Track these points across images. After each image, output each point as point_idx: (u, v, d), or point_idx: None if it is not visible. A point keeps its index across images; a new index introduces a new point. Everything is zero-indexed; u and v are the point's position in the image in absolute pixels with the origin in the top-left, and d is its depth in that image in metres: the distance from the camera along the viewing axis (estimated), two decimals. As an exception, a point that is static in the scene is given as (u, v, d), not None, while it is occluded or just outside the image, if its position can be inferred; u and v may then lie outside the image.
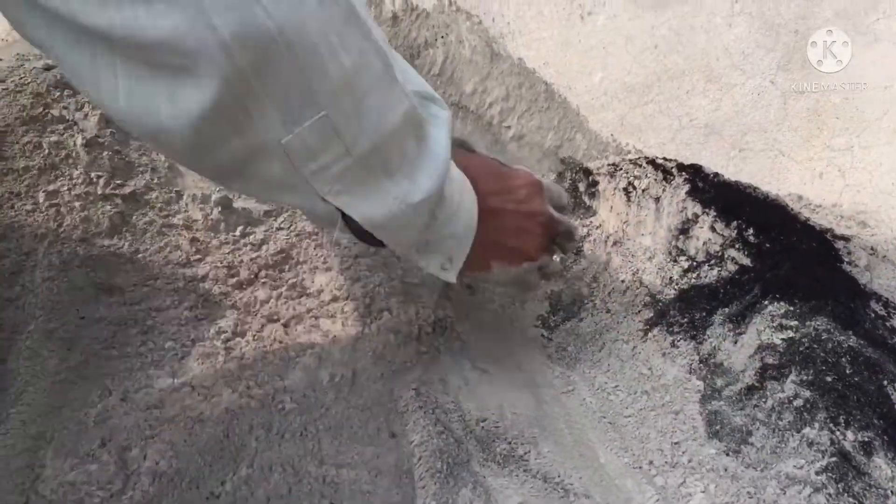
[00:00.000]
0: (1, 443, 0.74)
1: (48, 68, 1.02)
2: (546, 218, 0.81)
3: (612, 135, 1.20)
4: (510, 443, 0.81)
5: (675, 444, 0.82)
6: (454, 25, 1.18)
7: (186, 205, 0.97)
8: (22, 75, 1.00)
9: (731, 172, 1.16)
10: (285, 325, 0.88)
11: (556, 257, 0.93)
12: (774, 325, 0.89)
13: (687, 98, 1.20)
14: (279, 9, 0.48)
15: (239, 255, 0.94)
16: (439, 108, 0.67)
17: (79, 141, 0.95)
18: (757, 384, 0.85)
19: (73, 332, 0.83)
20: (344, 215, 0.62)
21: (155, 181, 0.98)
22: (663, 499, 0.76)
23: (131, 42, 0.46)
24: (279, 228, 0.99)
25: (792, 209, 1.06)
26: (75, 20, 0.46)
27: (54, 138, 0.94)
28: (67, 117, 0.98)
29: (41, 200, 0.89)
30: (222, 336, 0.85)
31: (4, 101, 0.95)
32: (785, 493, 0.74)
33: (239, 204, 1.00)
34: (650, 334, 0.96)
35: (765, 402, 0.83)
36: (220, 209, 0.97)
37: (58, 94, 1.00)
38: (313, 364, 0.83)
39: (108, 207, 0.92)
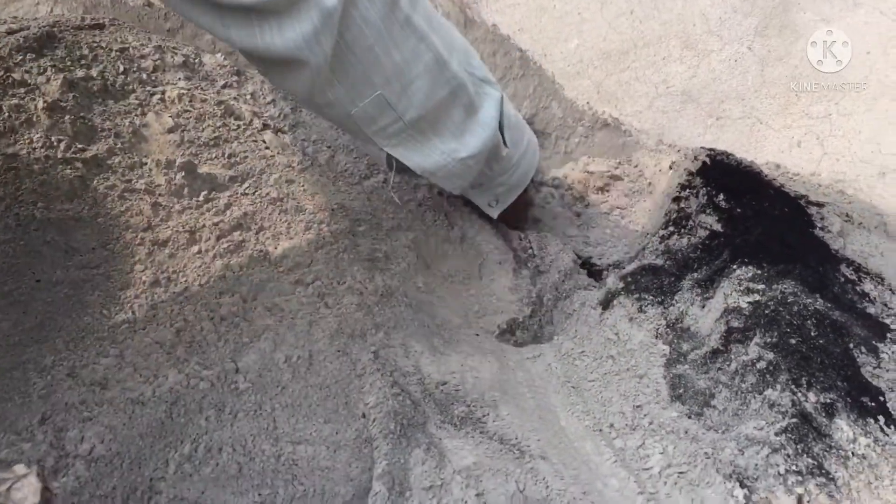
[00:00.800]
0: (-46, 405, 0.73)
1: (11, 32, 1.01)
2: None
3: (588, 103, 1.18)
4: (469, 405, 0.80)
5: (637, 407, 0.81)
6: (428, -8, 1.16)
7: (150, 170, 0.96)
8: (-17, 39, 0.98)
9: (707, 140, 1.15)
10: (244, 300, 0.86)
11: None
12: (741, 288, 0.88)
13: (664, 65, 1.18)
14: (350, 27, 0.71)
15: (201, 220, 0.93)
16: (492, 89, 0.87)
17: (40, 104, 0.94)
18: (722, 347, 0.84)
19: (28, 294, 0.82)
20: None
21: (118, 146, 0.97)
22: (621, 460, 0.75)
23: (267, 55, 0.70)
24: (244, 194, 0.98)
25: (766, 175, 1.04)
26: (227, 39, 0.70)
27: (15, 101, 0.93)
28: (29, 81, 0.97)
29: (-1, 163, 0.88)
30: (176, 317, 0.83)
31: (-37, 64, 0.94)
32: (743, 454, 0.73)
33: (203, 169, 0.99)
34: (617, 300, 0.95)
35: (728, 365, 0.82)
36: (183, 174, 0.96)
37: (20, 57, 0.99)
38: (268, 348, 0.81)
39: (69, 171, 0.91)
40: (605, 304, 0.96)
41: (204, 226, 0.93)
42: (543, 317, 1.01)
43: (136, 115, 1.02)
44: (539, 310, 1.01)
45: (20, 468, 0.47)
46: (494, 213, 1.00)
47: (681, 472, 0.73)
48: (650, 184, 1.12)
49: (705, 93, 1.16)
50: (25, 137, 0.91)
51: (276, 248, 0.93)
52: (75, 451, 0.69)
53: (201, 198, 0.95)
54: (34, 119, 0.93)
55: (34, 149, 0.91)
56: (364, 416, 0.76)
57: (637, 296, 0.94)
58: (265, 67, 0.76)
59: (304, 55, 0.70)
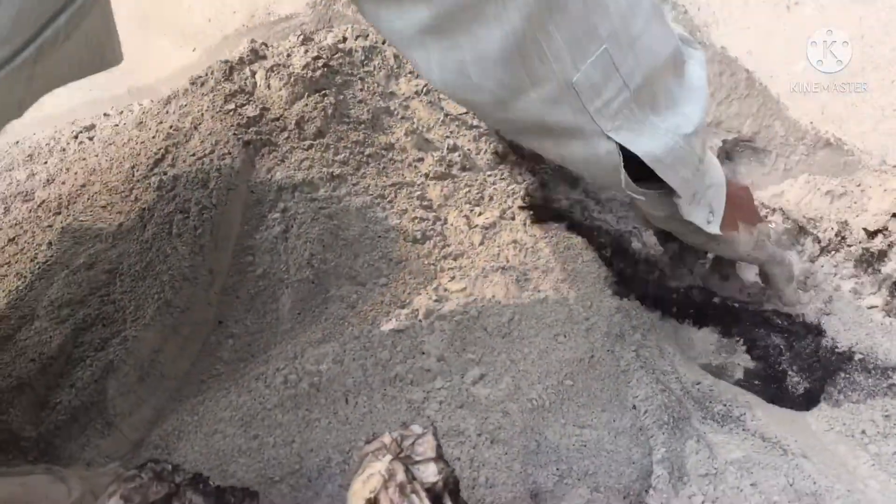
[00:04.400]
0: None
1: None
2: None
3: (811, 122, 1.23)
4: (726, 405, 0.88)
5: (887, 416, 0.86)
6: (659, 15, 1.24)
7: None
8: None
9: (934, 164, 1.18)
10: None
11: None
12: None
13: (892, 88, 1.21)
14: None
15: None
16: (695, 50, 0.72)
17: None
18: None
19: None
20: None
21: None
22: (878, 464, 0.81)
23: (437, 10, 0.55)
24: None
25: None
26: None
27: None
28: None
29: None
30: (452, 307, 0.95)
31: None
32: None
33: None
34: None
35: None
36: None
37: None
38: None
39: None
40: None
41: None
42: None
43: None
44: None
45: (417, 428, 0.58)
46: (716, 228, 0.81)
47: (942, 480, 0.79)
48: (873, 202, 1.16)
49: (934, 116, 1.19)
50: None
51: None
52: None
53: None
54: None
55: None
56: (634, 407, 0.85)
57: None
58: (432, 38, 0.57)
59: None
